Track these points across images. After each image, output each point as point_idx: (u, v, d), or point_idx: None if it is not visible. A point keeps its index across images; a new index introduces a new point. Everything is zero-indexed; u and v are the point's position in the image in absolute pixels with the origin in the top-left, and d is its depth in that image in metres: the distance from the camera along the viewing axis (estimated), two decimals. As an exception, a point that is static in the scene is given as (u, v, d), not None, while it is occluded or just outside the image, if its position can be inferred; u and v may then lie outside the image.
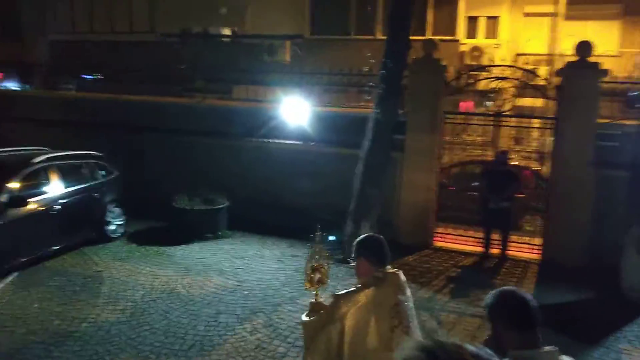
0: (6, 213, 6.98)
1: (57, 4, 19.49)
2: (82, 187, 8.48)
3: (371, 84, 9.44)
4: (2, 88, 14.99)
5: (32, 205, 7.38)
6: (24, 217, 7.24)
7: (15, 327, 5.71)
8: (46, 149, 8.61)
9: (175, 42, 16.14)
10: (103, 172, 9.11)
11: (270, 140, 10.05)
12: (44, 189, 7.81)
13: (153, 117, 11.11)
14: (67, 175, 8.28)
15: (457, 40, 13.96)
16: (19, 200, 7.14)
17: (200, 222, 9.10)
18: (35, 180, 7.78)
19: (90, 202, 8.57)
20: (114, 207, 9.05)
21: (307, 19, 15.78)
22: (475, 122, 10.44)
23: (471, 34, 14.33)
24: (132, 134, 11.07)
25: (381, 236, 3.04)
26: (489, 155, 10.77)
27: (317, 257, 3.26)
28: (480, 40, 14.13)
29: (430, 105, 8.96)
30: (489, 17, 14.23)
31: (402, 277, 2.94)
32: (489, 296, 2.13)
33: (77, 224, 8.26)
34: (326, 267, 3.25)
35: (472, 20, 14.36)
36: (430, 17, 14.35)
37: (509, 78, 9.00)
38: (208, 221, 9.15)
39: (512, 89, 9.75)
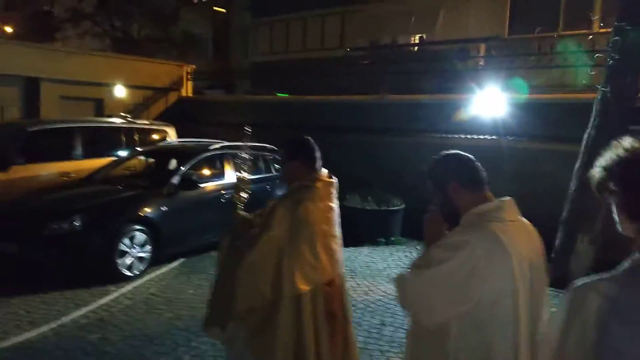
0: (177, 195, 6.84)
1: (259, 30, 21.06)
2: (256, 178, 8.11)
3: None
4: (208, 93, 16.41)
5: (203, 190, 7.18)
6: (195, 202, 7.07)
7: (165, 310, 5.30)
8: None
9: (363, 55, 15.75)
10: (278, 166, 8.71)
11: (458, 136, 8.62)
12: (217, 176, 7.63)
13: (332, 116, 10.58)
14: (245, 164, 8.00)
15: None
16: (190, 183, 6.98)
17: (371, 224, 8.07)
18: (209, 166, 7.69)
19: (262, 193, 8.14)
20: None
21: (506, 17, 14.04)
22: None
23: None
24: (310, 132, 10.65)
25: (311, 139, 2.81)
26: None
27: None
28: None
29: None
30: None
31: (336, 183, 2.82)
32: (432, 162, 1.99)
33: (250, 212, 7.87)
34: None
35: None
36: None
37: None
38: (380, 224, 8.09)
39: None
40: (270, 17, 20.23)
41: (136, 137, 9.43)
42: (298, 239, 2.55)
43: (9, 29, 14.65)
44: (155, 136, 9.88)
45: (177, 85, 14.39)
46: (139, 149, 8.76)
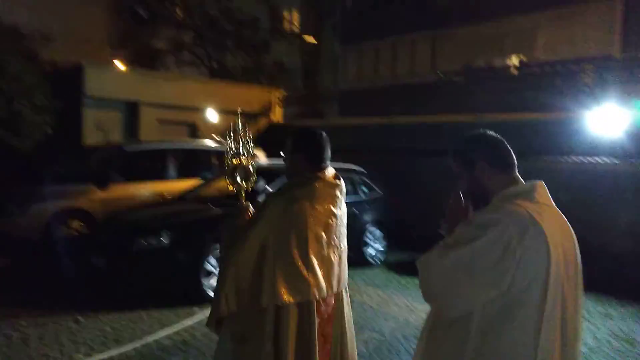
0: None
1: (348, 57, 21.13)
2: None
3: None
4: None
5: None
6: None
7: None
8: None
9: (457, 80, 15.14)
10: (365, 189, 8.31)
11: (567, 158, 7.75)
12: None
13: (424, 138, 10.07)
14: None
15: None
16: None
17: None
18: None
19: (350, 218, 7.76)
20: (375, 229, 8.10)
21: (617, 33, 12.87)
22: None
23: None
24: (401, 156, 10.20)
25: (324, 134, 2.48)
26: None
27: (235, 147, 2.68)
28: None
29: None
30: None
31: (342, 186, 2.47)
32: (458, 141, 1.85)
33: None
34: (248, 157, 2.68)
35: None
36: None
37: None
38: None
39: None
40: (359, 44, 20.27)
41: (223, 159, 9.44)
42: (287, 242, 2.24)
43: (118, 63, 15.79)
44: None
45: (267, 110, 14.56)
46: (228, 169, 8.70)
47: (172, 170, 8.98)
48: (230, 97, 13.53)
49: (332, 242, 2.38)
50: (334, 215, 2.39)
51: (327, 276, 2.33)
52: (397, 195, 8.59)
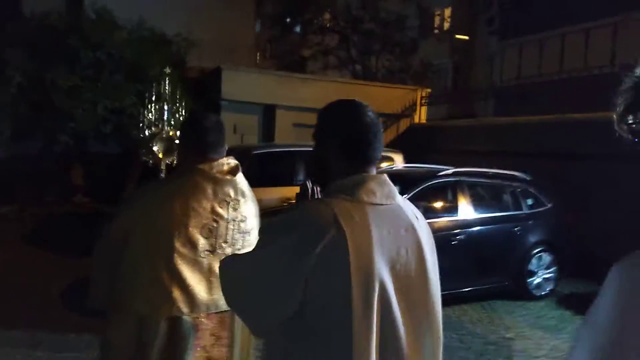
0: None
1: (506, 53, 19.30)
2: (500, 216, 6.18)
3: None
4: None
5: (430, 226, 5.55)
6: (418, 241, 5.48)
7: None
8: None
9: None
10: (530, 202, 6.56)
11: None
12: (447, 209, 5.94)
13: (604, 139, 7.89)
14: (481, 197, 6.21)
15: None
16: (413, 216, 5.44)
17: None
18: (437, 197, 6.03)
19: (509, 238, 6.14)
20: (542, 251, 6.32)
21: None
22: None
23: None
24: (573, 160, 8.17)
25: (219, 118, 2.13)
26: None
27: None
28: None
29: None
30: None
31: (240, 184, 2.08)
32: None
33: (487, 265, 5.97)
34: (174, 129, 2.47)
35: None
36: None
37: None
38: None
39: None
40: (519, 37, 18.25)
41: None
42: (149, 247, 1.94)
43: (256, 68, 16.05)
44: (382, 163, 8.77)
45: (409, 111, 13.28)
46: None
47: (301, 174, 8.17)
48: (370, 99, 12.17)
49: (218, 250, 2.02)
50: (220, 217, 2.02)
51: (209, 289, 1.98)
52: (570, 209, 6.69)
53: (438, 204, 6.03)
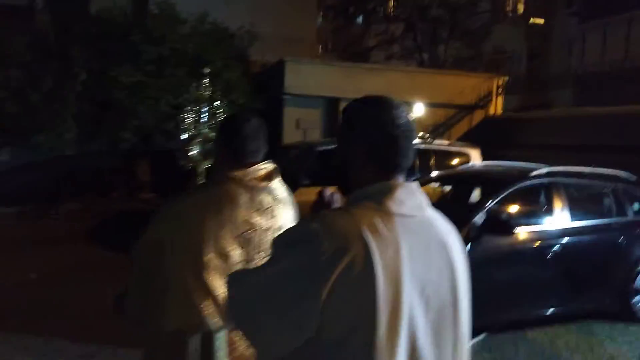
0: (481, 241, 4.67)
1: (588, 35, 17.88)
2: (601, 224, 5.34)
3: None
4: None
5: (520, 236, 4.85)
6: (506, 253, 4.82)
7: None
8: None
9: None
10: (637, 206, 5.66)
11: None
12: (540, 216, 5.19)
13: None
14: (579, 202, 5.38)
15: None
16: (500, 224, 4.74)
17: None
18: (528, 202, 5.30)
19: (611, 249, 5.30)
20: (651, 266, 5.43)
21: None
22: None
23: None
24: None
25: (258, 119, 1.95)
26: None
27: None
28: None
29: None
30: None
31: (277, 190, 1.94)
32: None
33: (584, 281, 5.17)
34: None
35: None
36: None
37: None
38: None
39: None
40: (603, 19, 16.73)
41: (432, 161, 7.81)
42: (180, 263, 1.85)
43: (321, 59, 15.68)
44: (455, 160, 8.06)
45: (484, 101, 12.36)
46: (433, 174, 6.98)
47: (305, 176, 7.64)
48: (440, 89, 11.77)
49: (256, 260, 1.87)
50: (256, 226, 1.88)
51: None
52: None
53: (529, 210, 5.28)
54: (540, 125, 11.28)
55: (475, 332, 4.73)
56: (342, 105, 9.51)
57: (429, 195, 6.49)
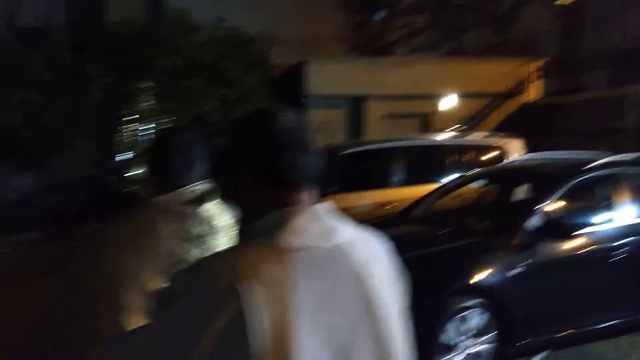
0: (537, 248, 4.07)
1: (626, 11, 16.88)
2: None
3: None
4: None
5: (581, 238, 4.22)
6: (566, 260, 4.21)
7: None
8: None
9: None
10: None
11: None
12: (602, 214, 4.54)
13: None
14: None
15: None
16: (558, 227, 4.13)
17: None
18: (587, 199, 4.66)
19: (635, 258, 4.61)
20: None
21: None
22: None
23: None
24: None
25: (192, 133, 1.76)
26: None
27: None
28: None
29: None
30: None
31: (209, 216, 1.70)
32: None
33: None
34: None
35: None
36: None
37: None
38: None
39: None
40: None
41: (469, 157, 7.19)
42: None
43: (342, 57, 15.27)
44: (494, 153, 7.40)
45: (519, 88, 11.63)
46: (472, 172, 6.37)
47: (397, 174, 7.08)
48: (471, 78, 11.15)
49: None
50: (180, 259, 1.61)
51: None
52: None
53: (590, 208, 4.62)
54: (582, 109, 10.49)
55: (535, 350, 4.19)
56: (368, 103, 8.91)
57: (468, 198, 5.91)
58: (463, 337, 3.85)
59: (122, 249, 1.64)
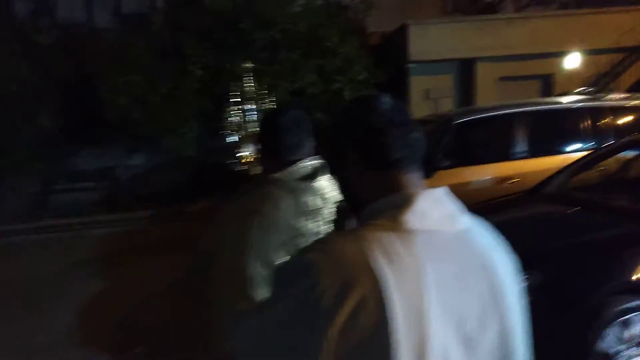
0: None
1: None
2: None
3: None
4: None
5: None
6: None
7: None
8: None
9: None
10: None
11: None
12: None
13: None
14: None
15: None
16: None
17: None
18: None
19: None
20: None
21: None
22: None
23: None
24: None
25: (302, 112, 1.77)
26: None
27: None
28: None
29: None
30: None
31: (323, 190, 1.74)
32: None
33: None
34: None
35: None
36: None
37: None
38: None
39: None
40: None
41: (608, 122, 6.20)
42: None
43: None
44: (635, 118, 6.34)
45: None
46: (614, 141, 5.40)
47: (520, 145, 6.29)
48: (600, 31, 9.77)
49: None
50: (300, 231, 1.69)
51: None
52: None
53: None
54: None
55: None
56: (479, 65, 7.92)
57: (615, 172, 4.99)
58: (624, 345, 3.15)
59: (246, 220, 1.67)
